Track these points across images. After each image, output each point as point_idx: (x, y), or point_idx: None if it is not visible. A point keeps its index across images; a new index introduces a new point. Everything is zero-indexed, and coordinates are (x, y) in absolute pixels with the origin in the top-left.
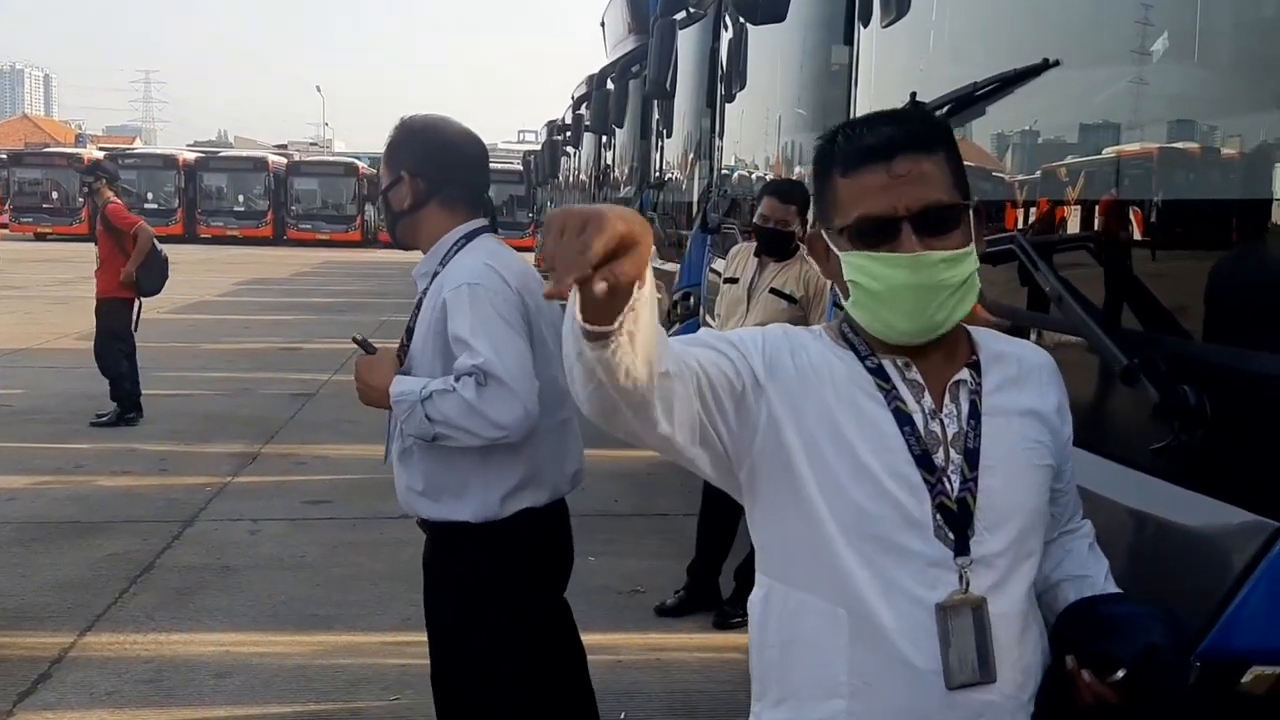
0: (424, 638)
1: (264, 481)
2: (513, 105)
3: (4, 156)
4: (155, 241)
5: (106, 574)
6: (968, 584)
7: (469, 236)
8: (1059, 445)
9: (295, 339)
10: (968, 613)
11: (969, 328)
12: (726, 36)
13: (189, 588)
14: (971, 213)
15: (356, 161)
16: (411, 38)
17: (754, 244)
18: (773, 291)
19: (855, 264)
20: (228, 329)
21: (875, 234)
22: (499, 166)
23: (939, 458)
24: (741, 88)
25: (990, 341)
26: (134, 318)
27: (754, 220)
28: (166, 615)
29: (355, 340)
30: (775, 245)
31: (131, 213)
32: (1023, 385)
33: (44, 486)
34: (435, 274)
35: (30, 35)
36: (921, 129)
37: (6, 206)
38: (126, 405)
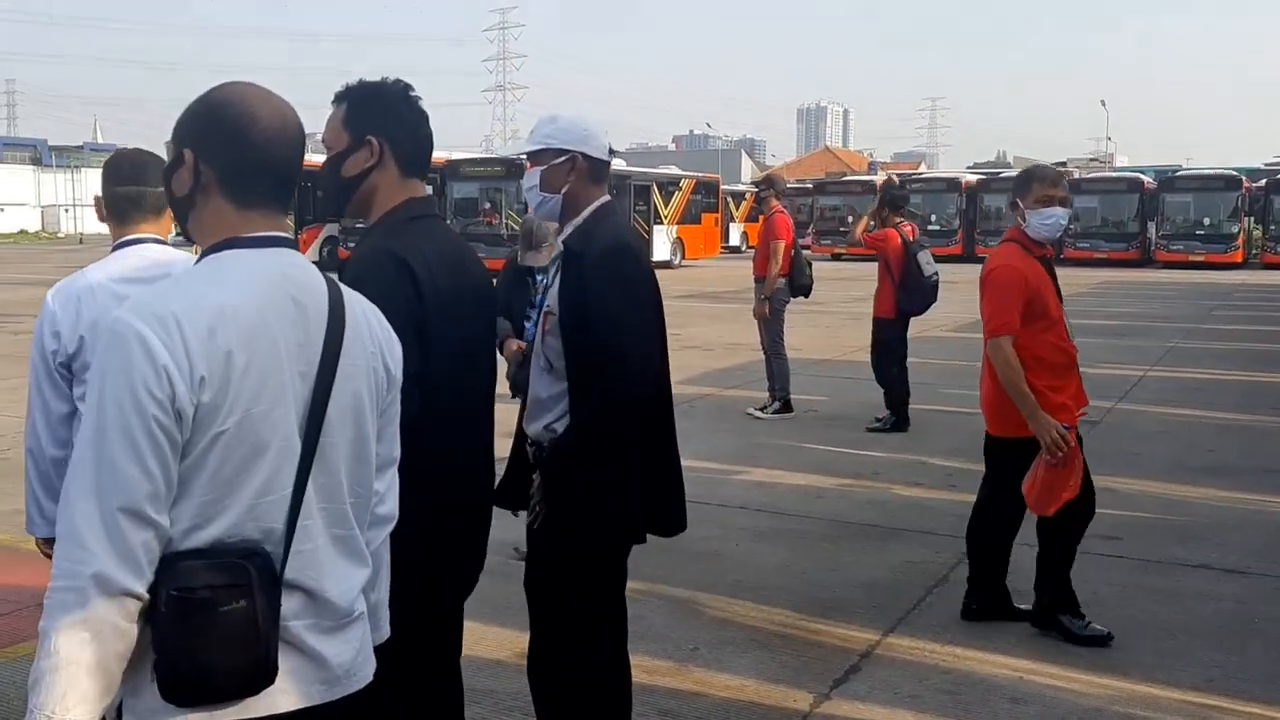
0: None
1: None
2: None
3: (809, 185)
4: (925, 261)
5: (904, 580)
6: None
7: None
8: None
9: (1094, 364)
10: None
11: None
12: None
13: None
14: None
15: (1142, 177)
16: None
17: None
18: None
19: None
20: None
21: None
22: None
23: None
24: None
25: None
26: (903, 333)
27: None
28: (960, 630)
29: None
30: None
31: (919, 235)
32: None
33: (847, 489)
34: None
35: (833, 74)
36: None
37: (810, 230)
38: (898, 413)
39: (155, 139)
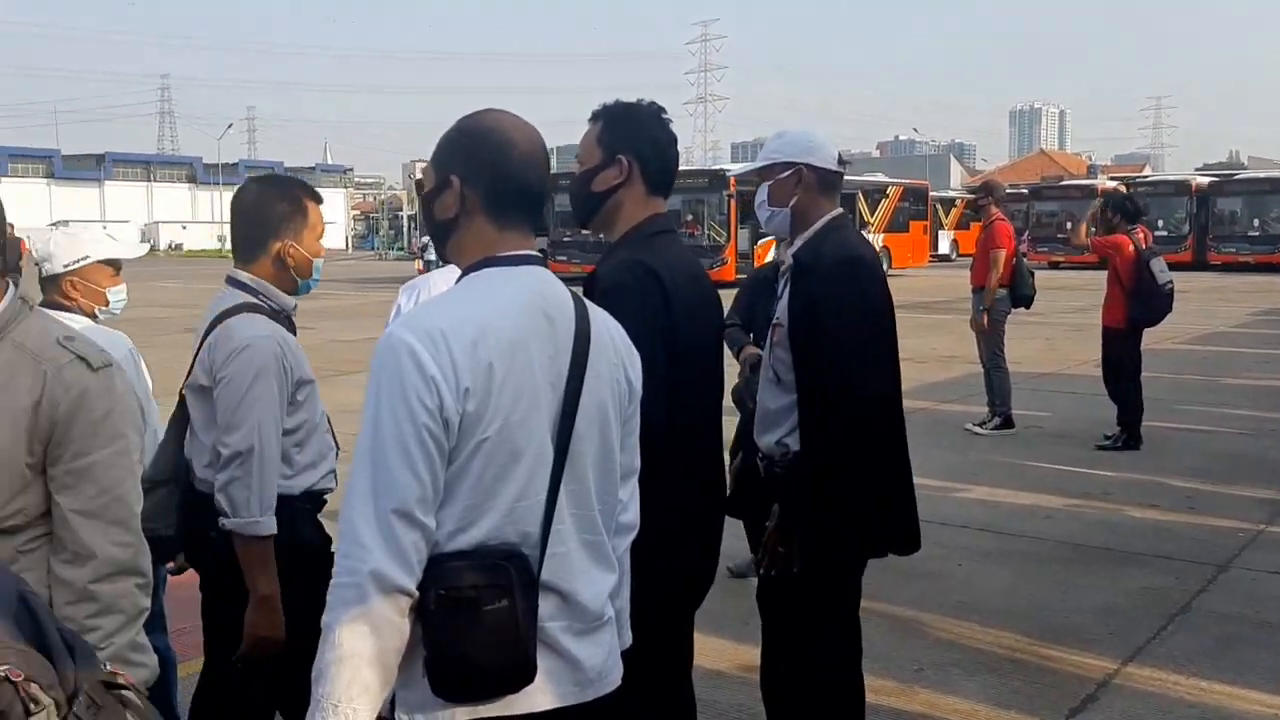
0: None
1: None
2: None
3: (1024, 191)
4: (1159, 269)
5: (1142, 606)
6: None
7: None
8: None
9: None
10: None
11: None
12: None
13: (1227, 637)
14: None
15: None
16: None
17: None
18: None
19: None
20: (1244, 363)
21: None
22: None
23: None
24: None
25: None
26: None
27: None
28: (1206, 661)
29: None
30: None
31: (1151, 242)
32: None
33: (1077, 509)
34: None
35: (1047, 75)
36: None
37: (1026, 237)
38: (1130, 430)
39: (379, 161)
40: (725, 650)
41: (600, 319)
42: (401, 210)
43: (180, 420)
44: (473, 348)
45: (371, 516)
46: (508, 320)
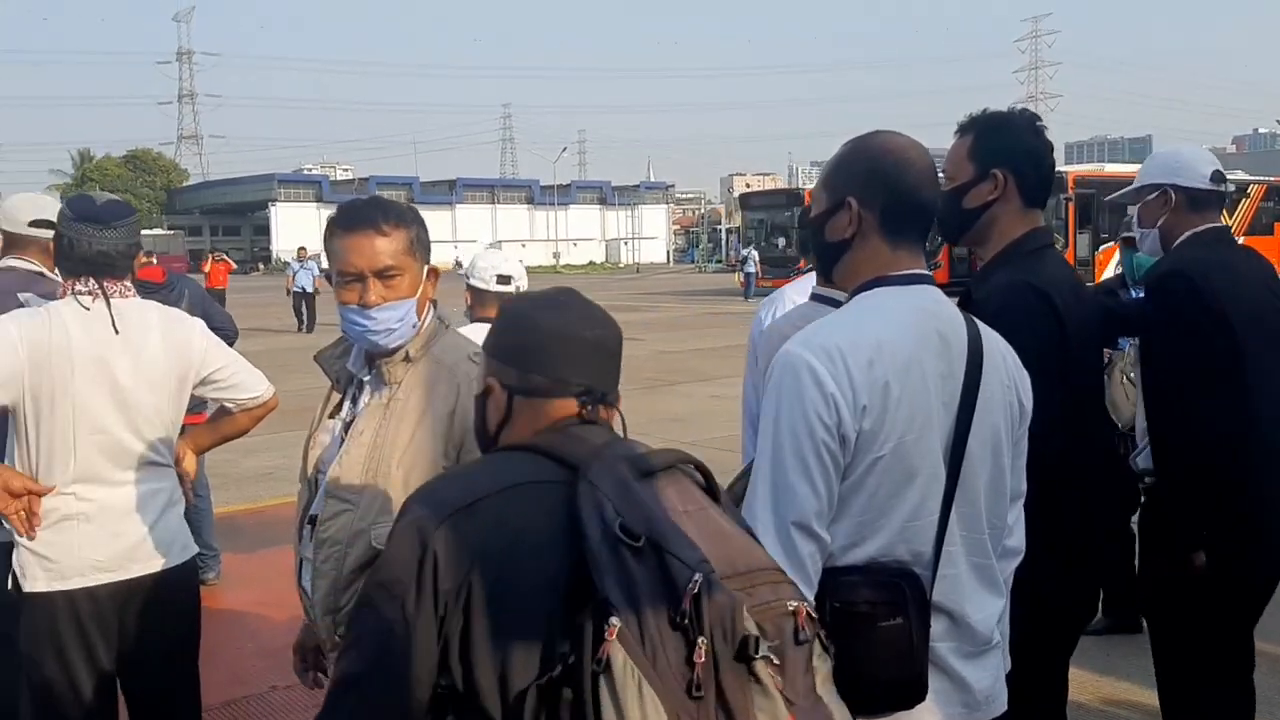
0: None
1: None
2: None
3: None
4: None
5: None
6: None
7: None
8: None
9: None
10: None
11: None
12: None
13: None
14: None
15: None
16: None
17: None
18: None
19: None
20: None
21: None
22: None
23: None
24: None
25: None
26: None
27: None
28: None
29: None
30: None
31: None
32: None
33: None
34: None
35: None
36: None
37: None
38: None
39: (698, 176)
40: (1088, 681)
41: (992, 339)
42: (720, 224)
43: None
44: (869, 366)
45: (772, 527)
46: (902, 339)
